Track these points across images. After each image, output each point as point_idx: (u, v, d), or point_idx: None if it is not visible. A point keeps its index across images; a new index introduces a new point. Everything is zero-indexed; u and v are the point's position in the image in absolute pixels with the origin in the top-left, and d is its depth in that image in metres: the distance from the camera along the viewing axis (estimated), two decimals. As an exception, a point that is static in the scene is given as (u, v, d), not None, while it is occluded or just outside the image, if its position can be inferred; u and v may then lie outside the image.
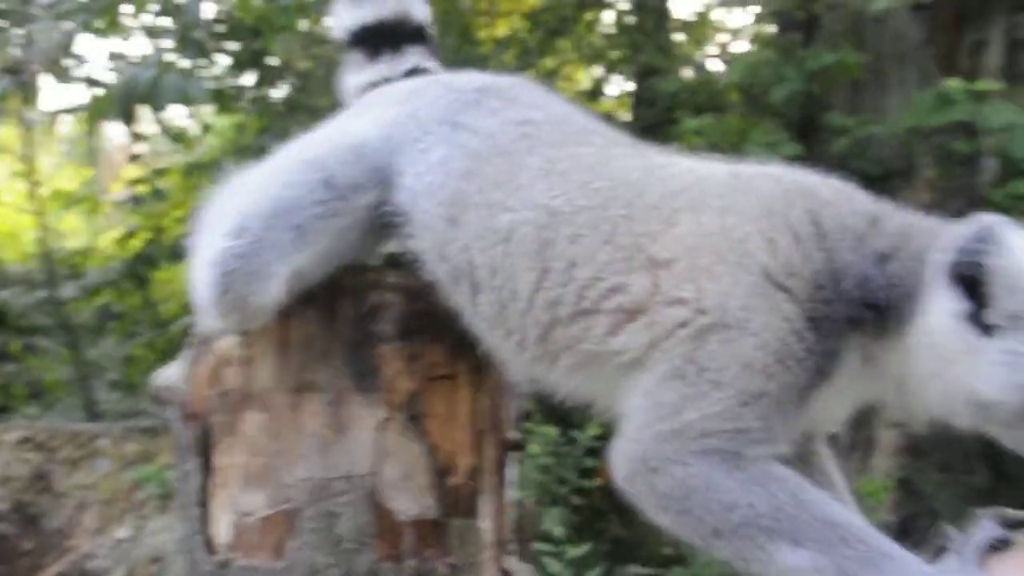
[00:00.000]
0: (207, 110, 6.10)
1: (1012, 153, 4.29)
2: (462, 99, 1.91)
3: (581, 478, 4.49)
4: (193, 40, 5.50)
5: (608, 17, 6.92)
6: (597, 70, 7.08)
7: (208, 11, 5.70)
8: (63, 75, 5.72)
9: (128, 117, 5.19)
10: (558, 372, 1.71)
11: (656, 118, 5.83)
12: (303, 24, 5.88)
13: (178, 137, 6.03)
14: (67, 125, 7.41)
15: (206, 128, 6.31)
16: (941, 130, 4.59)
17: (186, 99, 4.99)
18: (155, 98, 4.89)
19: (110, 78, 5.58)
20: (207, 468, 1.90)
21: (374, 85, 2.11)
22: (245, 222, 1.77)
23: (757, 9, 6.62)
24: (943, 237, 1.50)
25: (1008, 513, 1.53)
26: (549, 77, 6.23)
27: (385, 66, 2.13)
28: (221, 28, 5.79)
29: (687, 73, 6.50)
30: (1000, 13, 5.15)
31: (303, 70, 5.96)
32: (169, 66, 5.27)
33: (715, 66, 6.71)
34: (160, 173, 6.33)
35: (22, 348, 6.77)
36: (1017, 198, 4.33)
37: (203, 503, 1.89)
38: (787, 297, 1.52)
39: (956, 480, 4.71)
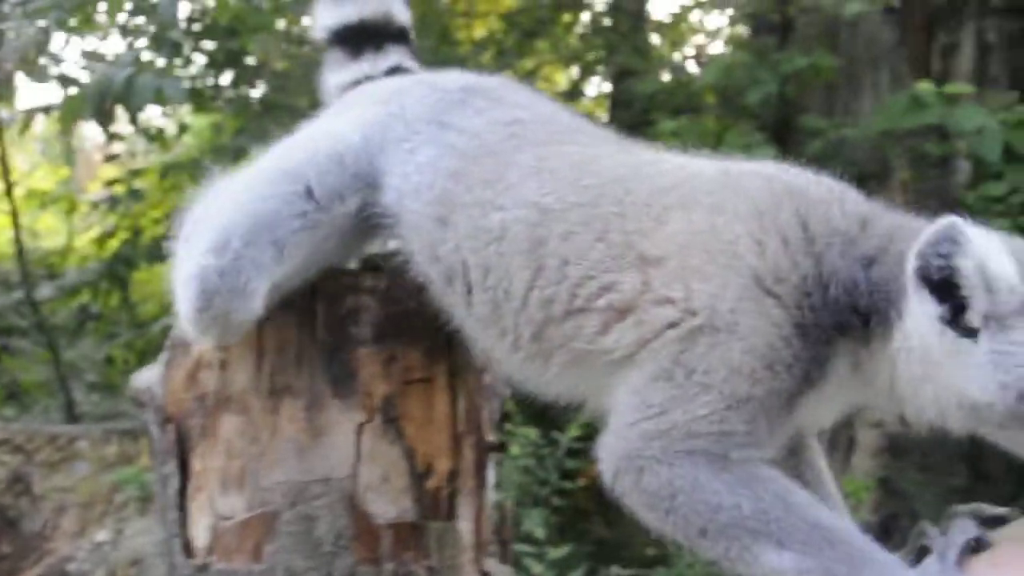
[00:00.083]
0: (184, 109, 6.07)
1: (983, 156, 4.33)
2: (448, 99, 1.90)
3: (563, 479, 4.51)
4: (168, 40, 5.47)
5: (586, 19, 6.94)
6: (575, 71, 7.10)
7: (184, 10, 5.68)
8: (38, 74, 5.67)
9: (103, 117, 5.15)
10: (551, 371, 1.69)
11: (633, 119, 5.85)
12: (280, 24, 5.87)
13: (155, 137, 6.01)
14: (42, 124, 7.34)
15: (183, 128, 6.28)
16: (914, 132, 4.64)
17: (161, 99, 4.96)
18: (130, 98, 4.86)
19: (85, 77, 5.55)
20: (185, 471, 1.90)
21: (356, 83, 2.09)
22: (225, 238, 1.76)
23: (732, 11, 6.66)
24: (918, 239, 1.47)
25: (985, 510, 1.53)
26: (527, 78, 6.24)
27: (367, 64, 2.12)
28: (197, 27, 5.77)
29: (664, 75, 6.53)
30: (970, 17, 5.22)
31: (280, 70, 5.95)
32: (145, 65, 5.24)
33: (692, 68, 6.74)
34: (137, 173, 6.30)
35: None
36: (990, 200, 4.39)
37: (181, 506, 1.89)
38: (775, 303, 1.51)
39: (936, 480, 4.75)
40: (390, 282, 1.90)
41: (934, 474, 4.77)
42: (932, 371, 1.46)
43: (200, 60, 5.94)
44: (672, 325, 1.54)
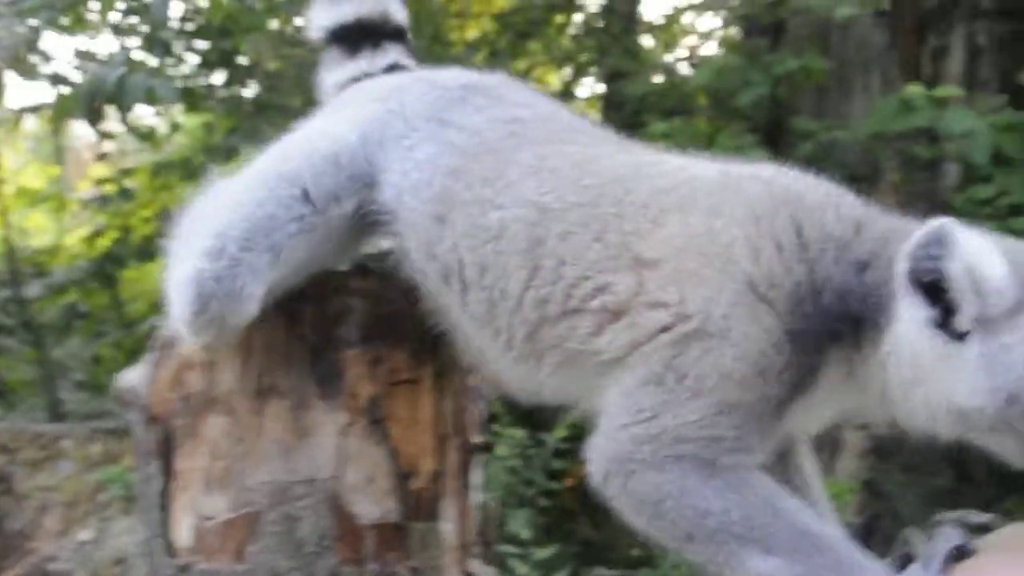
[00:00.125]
0: (176, 109, 6.06)
1: (972, 159, 4.35)
2: (448, 96, 1.89)
3: (549, 480, 4.51)
4: (160, 39, 5.46)
5: (579, 20, 6.95)
6: (567, 72, 7.11)
7: (176, 10, 5.67)
8: (29, 72, 5.65)
9: (94, 116, 5.14)
10: (543, 371, 1.69)
11: (624, 121, 5.86)
12: (273, 24, 5.86)
13: (146, 136, 5.99)
14: (33, 122, 7.33)
15: (175, 127, 6.27)
16: (904, 135, 4.66)
17: (153, 98, 4.95)
18: (122, 97, 4.84)
19: (76, 76, 5.53)
20: (168, 471, 1.89)
21: (354, 80, 2.08)
22: (222, 242, 1.75)
23: (724, 13, 6.68)
24: (907, 242, 1.46)
25: (971, 517, 1.54)
26: (520, 79, 6.24)
27: (365, 62, 2.10)
28: (190, 27, 5.76)
29: (656, 76, 6.54)
30: (960, 20, 5.24)
31: (273, 70, 5.94)
32: (137, 65, 5.23)
33: (684, 69, 6.75)
34: (127, 172, 6.28)
35: (-15, 347, 6.69)
36: (979, 203, 4.40)
37: (164, 506, 1.89)
38: (768, 309, 1.50)
39: (920, 482, 4.76)
40: (378, 284, 1.89)
41: (918, 476, 4.78)
42: (922, 375, 1.45)
43: (193, 60, 5.92)
44: (665, 329, 1.54)
